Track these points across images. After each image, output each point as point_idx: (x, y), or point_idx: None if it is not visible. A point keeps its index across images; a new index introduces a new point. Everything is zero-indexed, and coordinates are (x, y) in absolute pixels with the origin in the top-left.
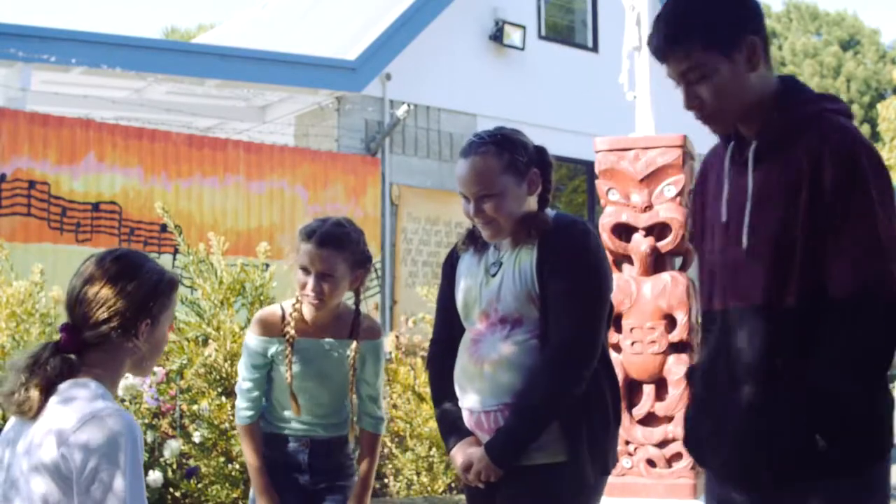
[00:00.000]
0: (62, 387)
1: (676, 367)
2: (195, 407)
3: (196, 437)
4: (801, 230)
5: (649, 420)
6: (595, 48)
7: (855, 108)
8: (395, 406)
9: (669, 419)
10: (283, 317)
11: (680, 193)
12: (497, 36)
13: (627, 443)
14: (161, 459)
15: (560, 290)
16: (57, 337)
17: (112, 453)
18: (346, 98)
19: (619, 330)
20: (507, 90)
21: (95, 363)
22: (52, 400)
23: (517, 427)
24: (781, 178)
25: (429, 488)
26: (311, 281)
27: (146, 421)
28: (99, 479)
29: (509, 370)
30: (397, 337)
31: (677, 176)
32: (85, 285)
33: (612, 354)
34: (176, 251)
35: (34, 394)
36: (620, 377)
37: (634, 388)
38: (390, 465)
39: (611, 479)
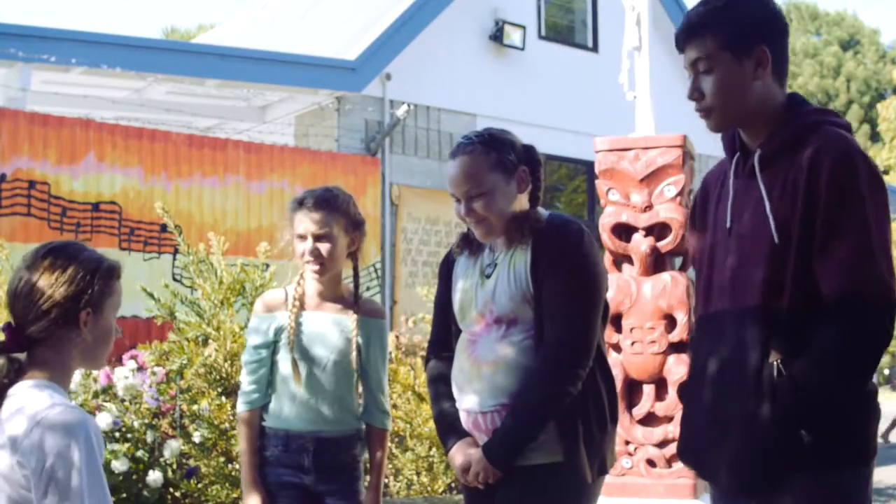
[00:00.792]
0: (12, 390)
1: (676, 367)
2: (195, 407)
3: (196, 437)
4: (796, 234)
5: (649, 420)
6: (595, 48)
7: (855, 108)
8: (395, 406)
9: (669, 419)
10: (286, 296)
11: (680, 193)
12: (497, 36)
13: (627, 443)
14: (161, 459)
15: (554, 290)
16: None
17: (65, 452)
18: (346, 98)
19: (619, 330)
20: (507, 90)
21: (43, 359)
22: (5, 404)
23: (514, 428)
24: (781, 185)
25: (429, 488)
26: (308, 245)
27: (146, 421)
28: (55, 479)
29: (505, 371)
30: (397, 337)
31: (677, 176)
32: (22, 280)
33: (612, 354)
34: (176, 251)
35: None
36: (620, 377)
37: (634, 388)
38: (390, 465)
39: (611, 479)
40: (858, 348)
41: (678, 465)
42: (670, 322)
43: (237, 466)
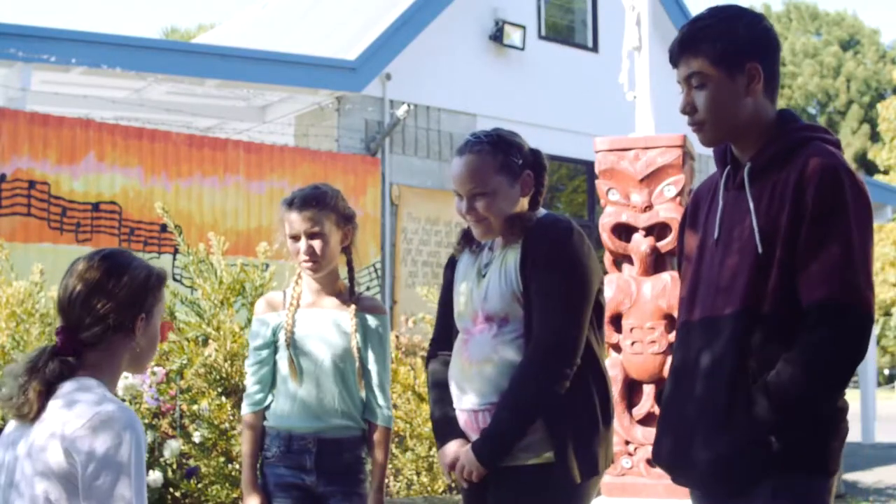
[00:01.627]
0: (63, 388)
1: None
2: (195, 407)
3: (196, 437)
4: (780, 246)
5: (649, 420)
6: (595, 48)
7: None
8: (395, 406)
9: None
10: (285, 296)
11: (680, 193)
12: (497, 36)
13: (627, 443)
14: (161, 459)
15: (540, 287)
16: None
17: (116, 453)
18: (346, 98)
19: (619, 330)
20: (507, 90)
21: (94, 363)
22: (54, 402)
23: (500, 426)
24: (769, 197)
25: (429, 488)
26: (301, 244)
27: (146, 421)
28: (103, 479)
29: (497, 369)
30: (397, 337)
31: (677, 176)
32: (78, 286)
33: (612, 354)
34: (176, 251)
35: (32, 396)
36: (620, 377)
37: (634, 388)
38: (390, 465)
39: (611, 479)
40: (836, 357)
41: None
42: (670, 322)
43: (237, 466)
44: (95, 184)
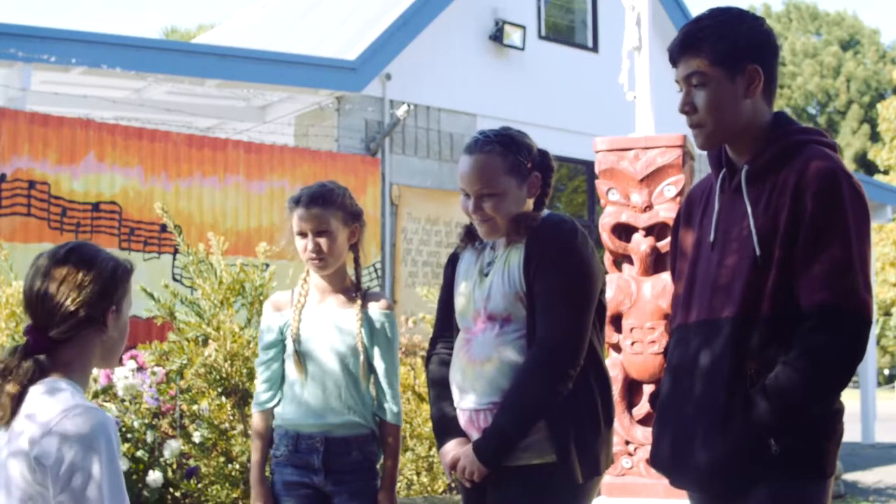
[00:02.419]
0: (34, 390)
1: None
2: (195, 407)
3: (196, 437)
4: (778, 249)
5: (649, 420)
6: (595, 48)
7: (855, 108)
8: None
9: None
10: (293, 295)
11: (680, 193)
12: (497, 36)
13: (627, 443)
14: (161, 459)
15: (545, 288)
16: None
17: (88, 448)
18: (346, 98)
19: (619, 330)
20: (507, 90)
21: (66, 359)
22: (26, 405)
23: (502, 426)
24: (766, 201)
25: (429, 488)
26: (308, 242)
27: (146, 421)
28: (79, 471)
29: (499, 369)
30: None
31: (677, 176)
32: (44, 282)
33: (612, 354)
34: (176, 251)
35: (6, 401)
36: (620, 377)
37: (634, 388)
38: None
39: (611, 479)
40: (834, 361)
41: None
42: (670, 322)
43: (237, 466)
44: (95, 184)
